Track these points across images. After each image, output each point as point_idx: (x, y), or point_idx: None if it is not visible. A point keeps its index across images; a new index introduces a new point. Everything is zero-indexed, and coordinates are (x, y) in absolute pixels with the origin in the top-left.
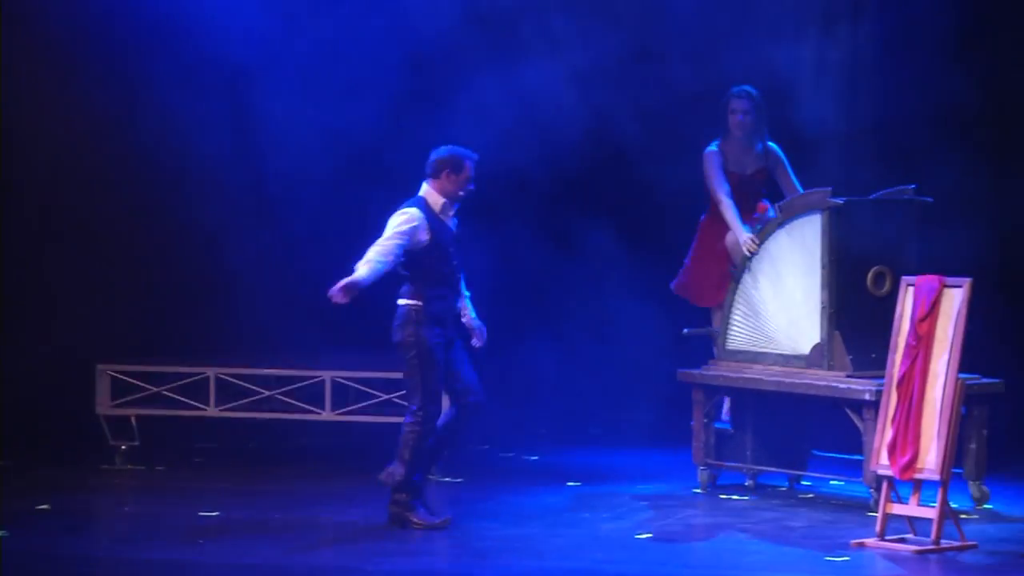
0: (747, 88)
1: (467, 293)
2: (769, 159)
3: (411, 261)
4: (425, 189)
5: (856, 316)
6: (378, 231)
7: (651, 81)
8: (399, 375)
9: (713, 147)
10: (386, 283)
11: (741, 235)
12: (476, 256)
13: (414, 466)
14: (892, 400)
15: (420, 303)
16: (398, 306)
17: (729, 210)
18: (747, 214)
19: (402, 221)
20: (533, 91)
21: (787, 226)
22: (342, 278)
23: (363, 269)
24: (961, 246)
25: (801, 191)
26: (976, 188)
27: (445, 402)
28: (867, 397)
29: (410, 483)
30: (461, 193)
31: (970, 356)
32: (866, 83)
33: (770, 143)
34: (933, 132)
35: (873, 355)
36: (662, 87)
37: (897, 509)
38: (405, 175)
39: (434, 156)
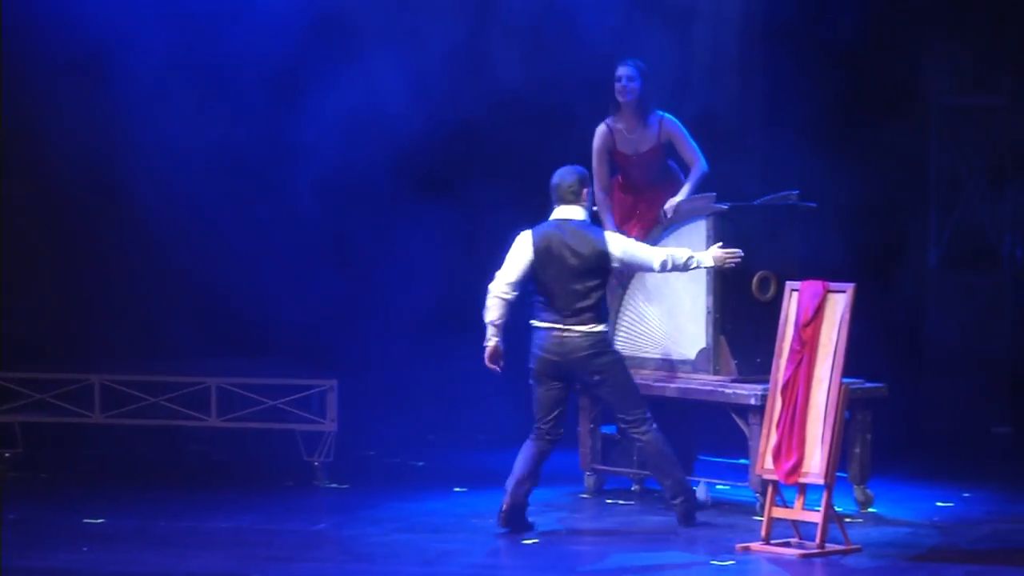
0: (633, 59)
1: None
2: (663, 131)
3: (604, 284)
4: (581, 212)
5: (741, 321)
6: (260, 234)
7: (514, 71)
8: (285, 381)
9: (602, 126)
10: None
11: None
12: (358, 258)
13: (673, 462)
14: (777, 405)
15: (607, 327)
16: (596, 333)
17: (602, 211)
18: (643, 193)
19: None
20: (388, 86)
21: (673, 232)
22: (222, 282)
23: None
24: (843, 250)
25: (702, 159)
26: (855, 193)
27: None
28: (752, 402)
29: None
30: (595, 207)
31: (854, 361)
32: (750, 85)
33: (664, 114)
34: (813, 135)
35: (758, 360)
36: (536, 77)
37: (782, 513)
38: (273, 179)
39: (569, 179)
